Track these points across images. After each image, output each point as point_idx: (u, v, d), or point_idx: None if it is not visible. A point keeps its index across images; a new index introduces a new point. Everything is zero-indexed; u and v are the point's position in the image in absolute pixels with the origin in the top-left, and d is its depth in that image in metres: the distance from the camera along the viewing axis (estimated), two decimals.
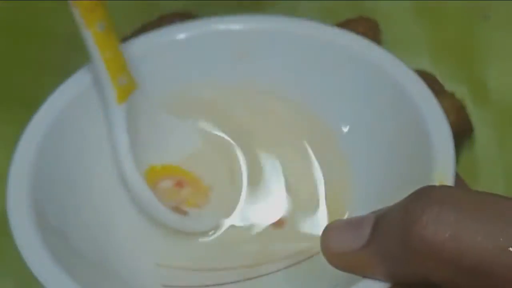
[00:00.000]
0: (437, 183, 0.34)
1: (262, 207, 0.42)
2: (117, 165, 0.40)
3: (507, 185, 0.51)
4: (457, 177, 0.36)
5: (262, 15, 0.44)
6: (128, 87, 0.40)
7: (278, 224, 0.41)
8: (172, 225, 0.40)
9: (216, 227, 0.41)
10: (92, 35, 0.39)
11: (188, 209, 0.41)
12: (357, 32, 0.53)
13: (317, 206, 0.41)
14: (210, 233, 0.41)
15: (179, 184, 0.42)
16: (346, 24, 0.54)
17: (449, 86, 0.53)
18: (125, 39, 0.54)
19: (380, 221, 0.31)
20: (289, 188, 0.42)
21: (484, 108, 0.53)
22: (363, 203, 0.39)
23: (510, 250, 0.28)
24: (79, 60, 0.54)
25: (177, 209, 0.41)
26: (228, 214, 0.41)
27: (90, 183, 0.40)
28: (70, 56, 0.54)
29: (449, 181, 0.35)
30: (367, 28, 0.53)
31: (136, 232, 0.40)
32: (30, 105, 0.53)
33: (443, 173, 0.35)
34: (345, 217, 0.40)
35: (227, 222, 0.41)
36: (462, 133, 0.52)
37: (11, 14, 0.55)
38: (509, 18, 0.55)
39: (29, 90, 0.54)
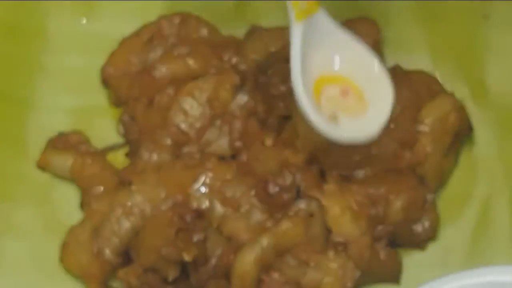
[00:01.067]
0: None
1: None
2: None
3: (507, 185, 0.51)
4: None
5: None
6: (307, 10, 0.47)
7: None
8: (323, 131, 0.45)
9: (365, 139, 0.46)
10: None
11: (344, 117, 0.46)
12: (357, 32, 0.53)
13: None
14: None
15: (344, 93, 0.47)
16: (346, 25, 0.53)
17: (449, 86, 0.53)
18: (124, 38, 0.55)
19: None
20: None
21: (484, 108, 0.53)
22: None
23: None
24: (78, 60, 0.55)
25: (333, 117, 0.46)
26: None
27: None
28: (69, 56, 0.55)
29: None
30: (367, 28, 0.53)
31: None
32: (29, 105, 0.54)
33: None
34: None
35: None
36: (462, 133, 0.52)
37: (9, 14, 0.55)
38: (509, 18, 0.55)
39: (25, 90, 0.54)
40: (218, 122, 0.50)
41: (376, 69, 0.47)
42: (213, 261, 0.47)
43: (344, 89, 0.47)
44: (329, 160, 0.49)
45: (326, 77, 0.47)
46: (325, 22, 0.47)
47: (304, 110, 0.45)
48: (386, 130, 0.49)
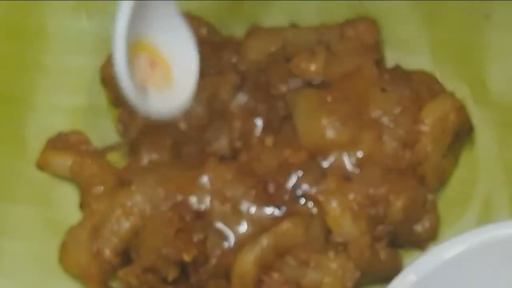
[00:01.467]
0: None
1: None
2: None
3: (508, 184, 0.51)
4: None
5: None
6: None
7: None
8: (133, 102, 0.45)
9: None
10: None
11: (151, 90, 0.46)
12: (357, 32, 0.53)
13: None
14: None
15: (153, 64, 0.47)
16: (346, 25, 0.54)
17: (449, 86, 0.53)
18: None
19: None
20: None
21: (484, 108, 0.53)
22: None
23: None
24: (77, 60, 0.55)
25: (140, 87, 0.45)
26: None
27: None
28: (68, 56, 0.55)
29: None
30: (366, 28, 0.53)
31: None
32: (29, 104, 0.54)
33: None
34: None
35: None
36: (462, 132, 0.52)
37: (9, 14, 0.55)
38: (509, 18, 0.55)
39: (24, 90, 0.54)
40: (218, 122, 0.50)
41: (186, 45, 0.47)
42: (213, 261, 0.47)
43: (153, 60, 0.47)
44: (330, 160, 0.49)
45: (140, 43, 0.46)
46: None
47: (118, 76, 0.44)
48: (386, 130, 0.50)
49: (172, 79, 0.47)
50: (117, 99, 0.54)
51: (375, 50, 0.53)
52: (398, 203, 0.48)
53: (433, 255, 0.43)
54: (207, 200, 0.48)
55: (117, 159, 0.53)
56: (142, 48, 0.47)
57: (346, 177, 0.49)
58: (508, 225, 0.43)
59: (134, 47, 0.46)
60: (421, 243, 0.50)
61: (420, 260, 0.43)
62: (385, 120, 0.50)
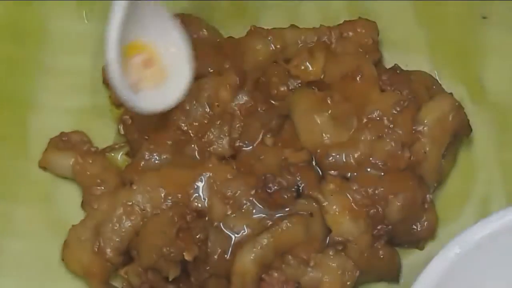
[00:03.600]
0: None
1: None
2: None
3: (505, 184, 0.52)
4: None
5: None
6: None
7: None
8: (125, 100, 0.47)
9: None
10: None
11: (145, 87, 0.49)
12: (356, 33, 0.53)
13: None
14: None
15: (147, 63, 0.49)
16: (345, 25, 0.54)
17: (447, 86, 0.53)
18: None
19: None
20: None
21: (482, 108, 0.53)
22: None
23: None
24: (79, 61, 0.55)
25: (135, 86, 0.48)
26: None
27: None
28: (70, 57, 0.55)
29: None
30: (365, 29, 0.54)
31: None
32: (31, 105, 0.54)
33: None
34: None
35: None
36: (460, 133, 0.52)
37: (11, 15, 0.55)
38: (507, 19, 0.55)
39: (26, 90, 0.54)
40: (218, 122, 0.51)
41: (179, 45, 0.49)
42: (214, 260, 0.47)
43: (147, 59, 0.49)
44: (329, 160, 0.49)
45: (135, 44, 0.49)
46: None
47: (111, 76, 0.47)
48: (385, 130, 0.50)
49: (166, 76, 0.49)
50: (118, 100, 0.54)
51: (374, 51, 0.53)
52: (397, 203, 0.49)
53: (478, 228, 0.43)
54: (207, 200, 0.48)
55: (118, 159, 0.53)
56: (137, 48, 0.49)
57: (346, 177, 0.49)
58: None
59: (128, 48, 0.48)
60: (420, 242, 0.51)
61: (465, 233, 0.43)
62: (384, 120, 0.50)
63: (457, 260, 0.43)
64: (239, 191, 0.48)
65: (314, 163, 0.50)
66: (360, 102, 0.51)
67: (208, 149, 0.50)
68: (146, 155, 0.50)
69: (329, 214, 0.48)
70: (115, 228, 0.48)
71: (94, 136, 0.53)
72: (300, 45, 0.53)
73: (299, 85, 0.52)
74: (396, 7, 0.56)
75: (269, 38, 0.53)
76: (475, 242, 0.43)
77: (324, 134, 0.50)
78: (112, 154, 0.53)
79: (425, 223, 0.50)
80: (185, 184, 0.49)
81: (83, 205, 0.51)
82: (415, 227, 0.50)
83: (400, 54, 0.55)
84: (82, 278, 0.49)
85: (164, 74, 0.49)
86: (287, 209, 0.48)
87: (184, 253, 0.46)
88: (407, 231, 0.50)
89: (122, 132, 0.53)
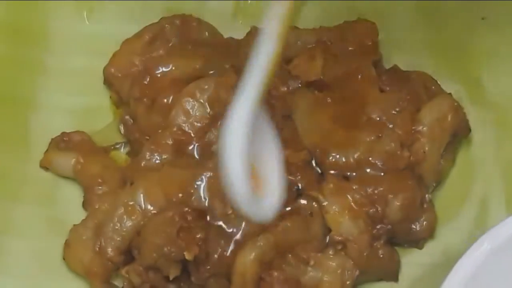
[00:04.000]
0: None
1: None
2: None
3: (505, 185, 0.52)
4: None
5: None
6: None
7: None
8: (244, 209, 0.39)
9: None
10: None
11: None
12: (355, 33, 0.54)
13: None
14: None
15: (253, 176, 0.41)
16: (345, 26, 0.54)
17: (446, 86, 0.53)
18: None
19: None
20: None
21: (481, 108, 0.53)
22: None
23: None
24: (80, 61, 0.55)
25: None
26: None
27: None
28: (71, 57, 0.55)
29: None
30: (365, 29, 0.54)
31: None
32: (32, 105, 0.54)
33: None
34: None
35: None
36: (459, 133, 0.52)
37: (11, 15, 0.55)
38: (506, 20, 0.55)
39: (27, 90, 0.54)
40: (219, 122, 0.51)
41: (272, 151, 0.43)
42: (214, 259, 0.47)
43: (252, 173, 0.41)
44: (329, 160, 0.49)
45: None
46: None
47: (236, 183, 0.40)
48: (385, 130, 0.50)
49: (264, 187, 0.42)
50: (119, 99, 0.54)
51: (374, 51, 0.54)
52: (396, 203, 0.49)
53: (507, 224, 0.43)
54: (208, 200, 0.49)
55: (119, 158, 0.53)
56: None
57: (345, 177, 0.49)
58: None
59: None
60: (419, 241, 0.51)
61: (495, 229, 0.43)
62: (383, 120, 0.50)
63: (488, 256, 0.43)
64: None
65: (314, 163, 0.50)
66: (359, 102, 0.51)
67: (209, 149, 0.50)
68: (147, 155, 0.50)
69: (329, 213, 0.48)
70: (116, 227, 0.48)
71: (96, 136, 0.53)
72: (300, 45, 0.53)
73: (299, 85, 0.52)
74: (396, 8, 0.56)
75: None
76: (506, 238, 0.43)
77: (324, 134, 0.50)
78: (113, 154, 0.53)
79: (424, 222, 0.50)
80: (186, 184, 0.49)
81: (84, 205, 0.51)
82: (414, 226, 0.50)
83: (399, 54, 0.55)
84: (83, 277, 0.50)
85: (263, 184, 0.42)
86: (287, 209, 0.48)
87: (184, 253, 0.46)
88: (407, 230, 0.50)
89: (123, 132, 0.53)
